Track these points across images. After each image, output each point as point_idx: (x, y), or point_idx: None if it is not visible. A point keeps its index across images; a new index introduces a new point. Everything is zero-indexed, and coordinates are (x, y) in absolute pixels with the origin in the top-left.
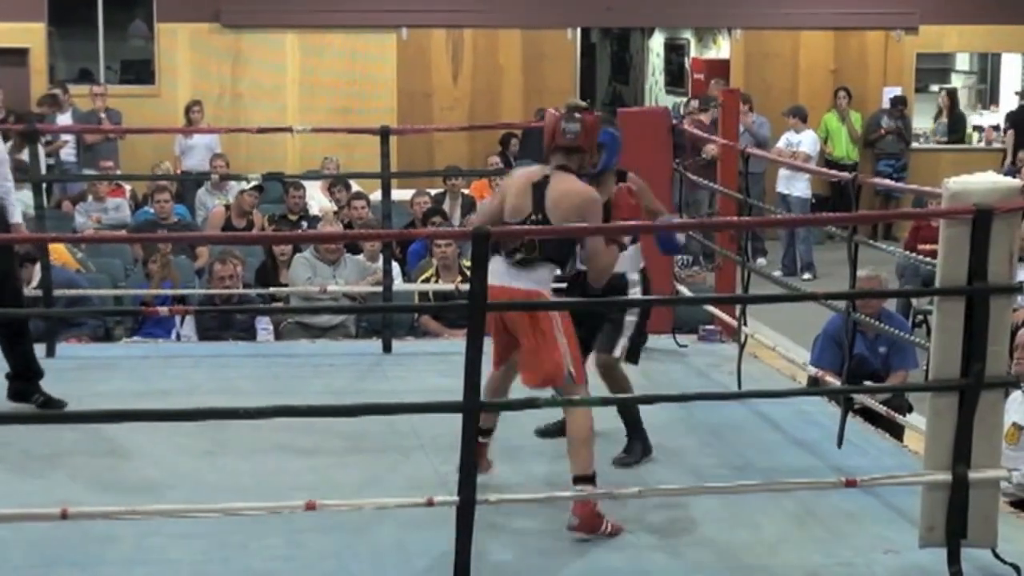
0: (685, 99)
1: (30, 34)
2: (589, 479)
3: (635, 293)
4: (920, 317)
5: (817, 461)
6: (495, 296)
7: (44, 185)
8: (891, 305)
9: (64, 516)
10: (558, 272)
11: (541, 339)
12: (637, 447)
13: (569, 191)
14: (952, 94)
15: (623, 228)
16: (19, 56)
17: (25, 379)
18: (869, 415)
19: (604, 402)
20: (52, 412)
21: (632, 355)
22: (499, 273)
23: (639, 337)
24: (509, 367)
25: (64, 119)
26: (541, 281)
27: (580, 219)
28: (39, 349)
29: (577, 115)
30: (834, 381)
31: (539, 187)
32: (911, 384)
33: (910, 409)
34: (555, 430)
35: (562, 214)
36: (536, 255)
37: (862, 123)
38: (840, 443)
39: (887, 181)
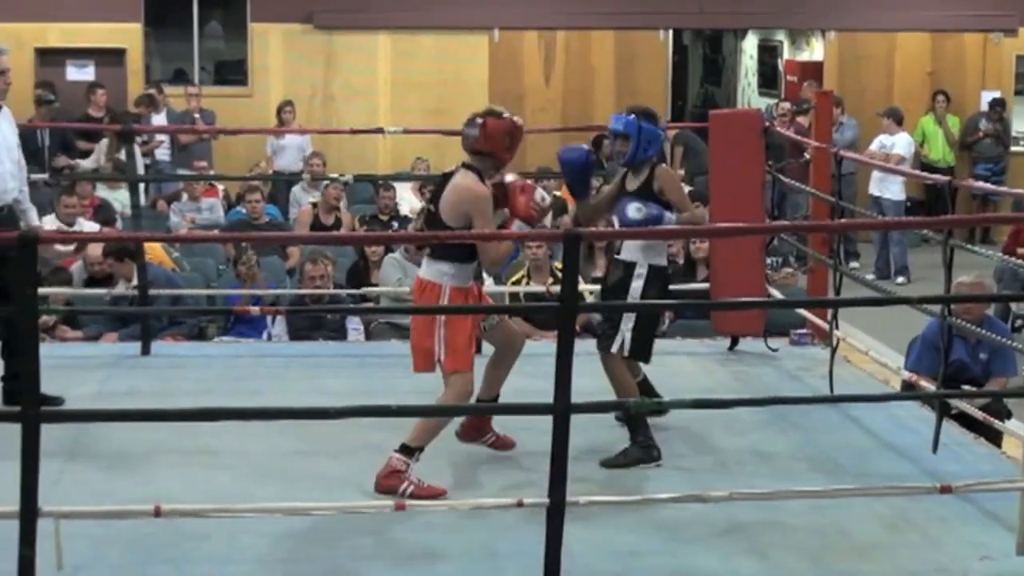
0: (775, 101)
1: (127, 35)
2: (411, 452)
3: (637, 287)
4: (1020, 322)
5: (911, 466)
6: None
7: (140, 185)
8: (990, 310)
9: (157, 514)
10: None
11: (423, 327)
12: (632, 452)
13: (455, 187)
14: None
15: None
16: (117, 56)
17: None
18: (966, 421)
19: (695, 404)
20: (146, 410)
21: (640, 352)
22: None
23: (645, 332)
24: (498, 357)
25: (159, 119)
26: (438, 274)
27: (461, 214)
28: (135, 347)
29: (479, 120)
30: (930, 386)
31: (441, 183)
32: (1009, 390)
33: (1009, 415)
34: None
35: (448, 208)
36: (432, 250)
37: (959, 127)
38: (935, 448)
39: (984, 184)
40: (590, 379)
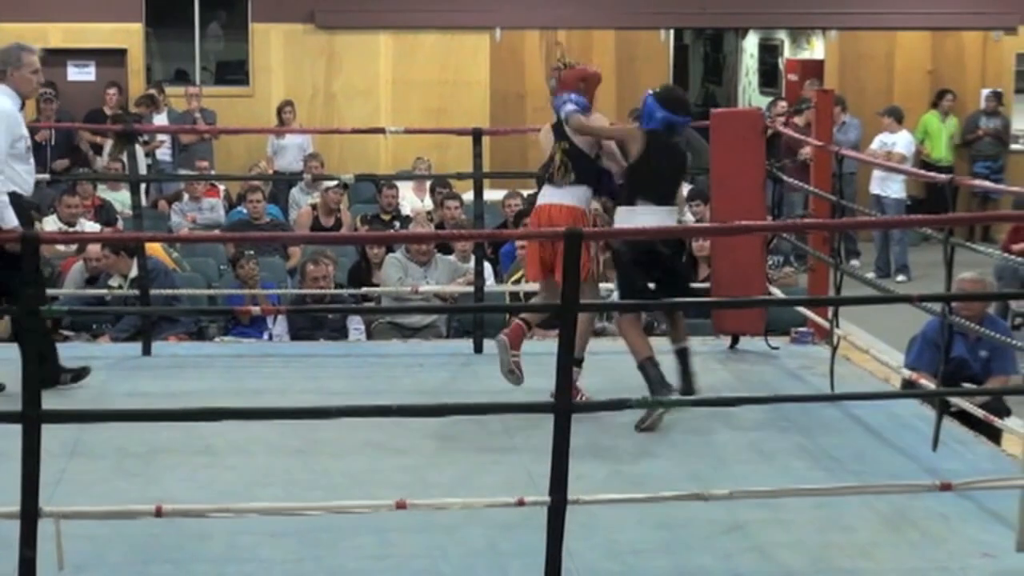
0: (772, 99)
1: (128, 35)
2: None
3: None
4: (1020, 320)
5: (912, 464)
6: (543, 213)
7: (142, 185)
8: (990, 308)
9: (159, 514)
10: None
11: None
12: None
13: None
14: None
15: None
16: (118, 56)
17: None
18: (966, 419)
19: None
20: (147, 410)
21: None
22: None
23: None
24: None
25: (160, 119)
26: (584, 199)
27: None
28: (136, 348)
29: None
30: (930, 384)
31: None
32: (1009, 387)
33: (1008, 413)
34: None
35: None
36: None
37: (958, 125)
38: (935, 446)
39: (985, 183)
40: (591, 378)
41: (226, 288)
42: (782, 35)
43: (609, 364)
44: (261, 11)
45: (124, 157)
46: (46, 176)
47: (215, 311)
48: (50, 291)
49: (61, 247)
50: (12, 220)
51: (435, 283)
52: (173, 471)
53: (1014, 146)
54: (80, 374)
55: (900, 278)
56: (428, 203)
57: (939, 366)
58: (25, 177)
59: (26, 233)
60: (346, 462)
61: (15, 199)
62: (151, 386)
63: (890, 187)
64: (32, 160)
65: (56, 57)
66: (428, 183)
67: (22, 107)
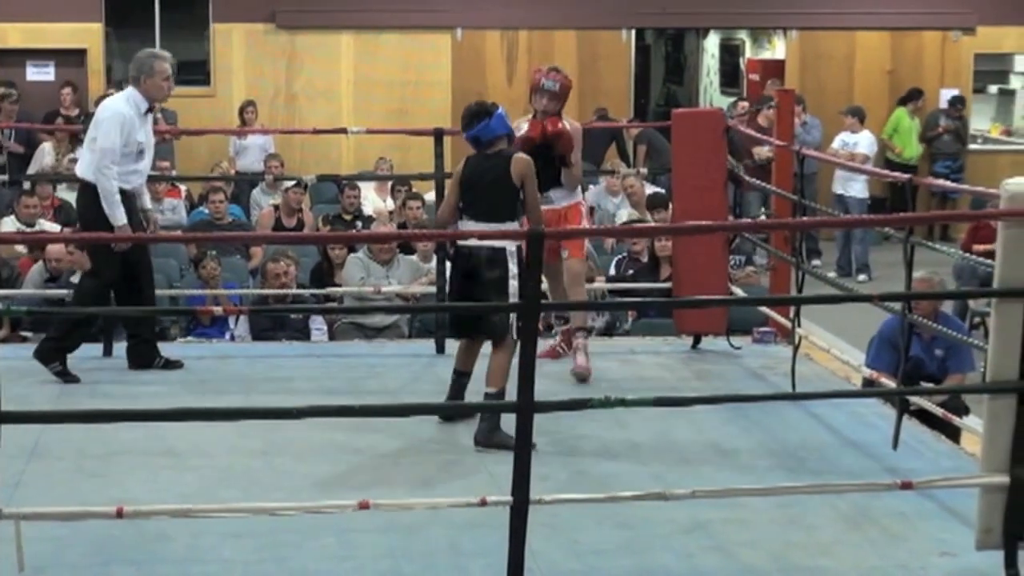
0: (734, 100)
1: (88, 34)
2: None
3: (514, 272)
4: (977, 319)
5: (872, 463)
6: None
7: None
8: (948, 307)
9: (120, 515)
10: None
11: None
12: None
13: None
14: None
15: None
16: (77, 56)
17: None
18: (925, 417)
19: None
20: (108, 410)
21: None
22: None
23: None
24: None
25: None
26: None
27: None
28: (97, 348)
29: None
30: (889, 383)
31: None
32: (968, 386)
33: (967, 411)
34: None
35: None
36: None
37: (920, 124)
38: (896, 445)
39: (945, 182)
40: (553, 378)
41: (188, 288)
42: (743, 35)
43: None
44: (222, 11)
45: (76, 155)
46: (4, 177)
47: (177, 311)
48: (9, 292)
49: (19, 247)
50: (122, 218)
51: (397, 283)
52: (134, 472)
53: (973, 146)
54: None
55: (861, 277)
56: (390, 203)
57: (899, 365)
58: (130, 178)
59: None
60: (308, 463)
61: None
62: (112, 387)
63: (853, 187)
64: (141, 162)
65: (15, 57)
66: (390, 183)
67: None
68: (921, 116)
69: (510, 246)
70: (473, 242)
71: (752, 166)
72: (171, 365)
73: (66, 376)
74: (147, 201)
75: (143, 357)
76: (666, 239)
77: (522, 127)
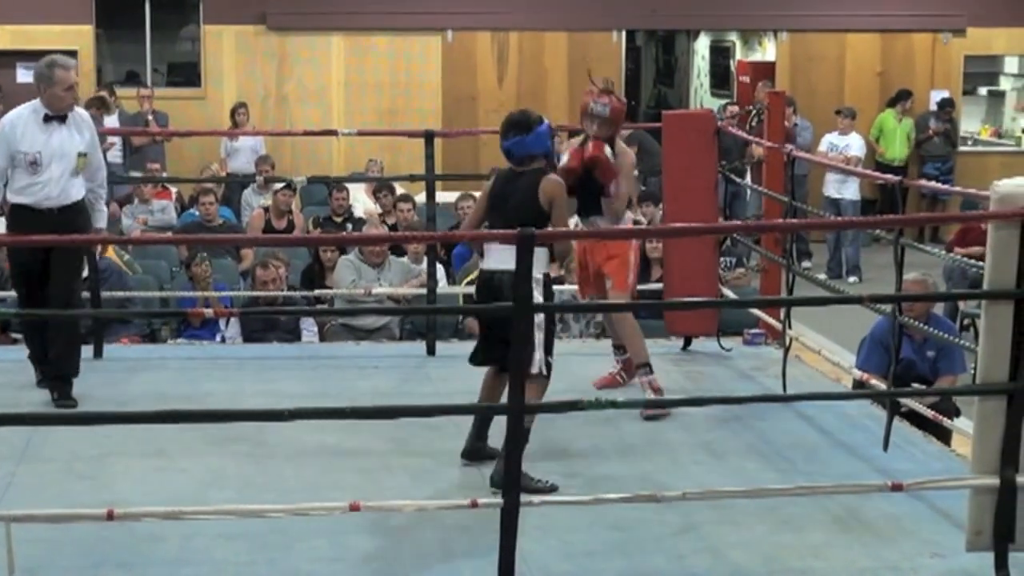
0: (724, 103)
1: (78, 36)
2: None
3: (537, 296)
4: (968, 321)
5: (863, 464)
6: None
7: None
8: (937, 309)
9: (111, 517)
10: None
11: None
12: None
13: None
14: None
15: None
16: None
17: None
18: (916, 419)
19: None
20: (99, 413)
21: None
22: None
23: (550, 346)
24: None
25: (111, 121)
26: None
27: None
28: (87, 350)
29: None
30: (880, 385)
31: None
32: (959, 388)
33: (957, 413)
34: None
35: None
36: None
37: (912, 126)
38: (886, 447)
39: (935, 184)
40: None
41: (178, 290)
42: (733, 37)
43: (565, 365)
44: (212, 13)
45: None
46: None
47: (167, 313)
48: None
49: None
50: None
51: (388, 285)
52: (125, 474)
53: (963, 147)
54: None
55: (852, 279)
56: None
57: (890, 367)
58: (32, 191)
59: None
60: (299, 464)
61: (22, 208)
62: (102, 389)
63: (847, 189)
64: (40, 174)
65: (4, 59)
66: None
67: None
68: (912, 117)
69: (536, 273)
70: (493, 265)
71: (743, 168)
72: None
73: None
74: (99, 219)
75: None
76: (657, 241)
77: (563, 158)
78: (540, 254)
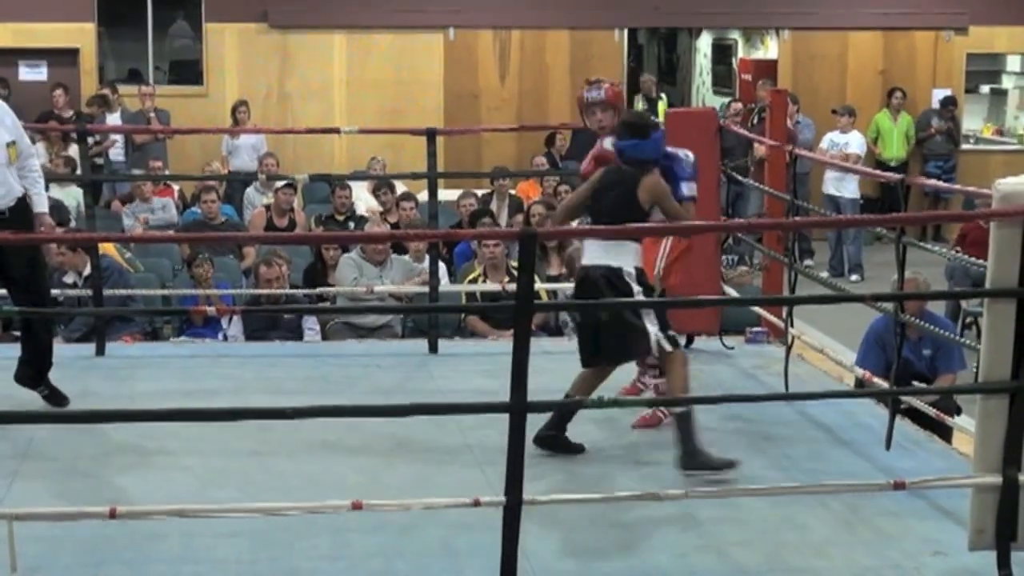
0: (727, 101)
1: (80, 34)
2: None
3: (636, 288)
4: (970, 319)
5: (865, 463)
6: None
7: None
8: (939, 307)
9: (113, 515)
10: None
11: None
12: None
13: None
14: None
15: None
16: (69, 56)
17: (36, 368)
18: (917, 417)
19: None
20: (99, 411)
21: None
22: None
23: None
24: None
25: (113, 119)
26: None
27: None
28: (89, 348)
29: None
30: (879, 383)
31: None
32: (961, 386)
33: (958, 411)
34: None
35: None
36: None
37: (910, 124)
38: (888, 445)
39: (937, 182)
40: (547, 377)
41: (180, 288)
42: (735, 35)
43: (568, 364)
44: (214, 10)
45: (71, 154)
46: None
47: (169, 312)
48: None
49: None
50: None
51: (390, 283)
52: (127, 472)
53: (965, 146)
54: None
55: (854, 277)
56: None
57: (892, 365)
58: None
59: None
60: (301, 462)
61: None
62: (105, 387)
63: (846, 187)
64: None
65: (7, 57)
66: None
67: None
68: (911, 114)
69: (627, 267)
70: (588, 261)
71: (746, 166)
72: (57, 399)
73: (56, 398)
74: (40, 203)
75: (30, 380)
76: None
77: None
78: (632, 248)
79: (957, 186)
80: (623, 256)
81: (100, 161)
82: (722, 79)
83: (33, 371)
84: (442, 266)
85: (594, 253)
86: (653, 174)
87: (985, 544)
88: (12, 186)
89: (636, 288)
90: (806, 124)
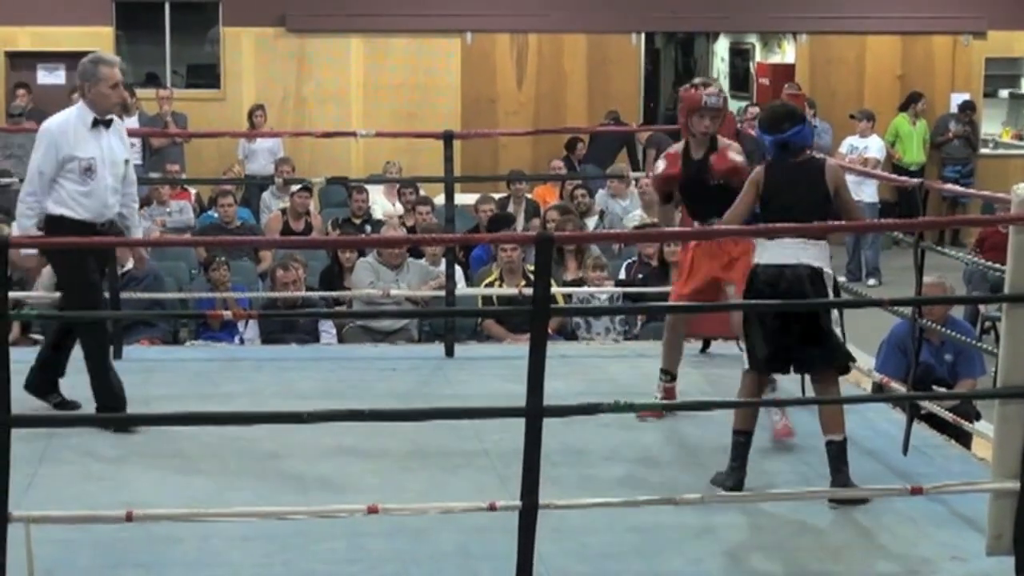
0: (744, 105)
1: (98, 38)
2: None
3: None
4: (988, 324)
5: (883, 468)
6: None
7: None
8: (958, 312)
9: (129, 518)
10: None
11: None
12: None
13: None
14: None
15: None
16: None
17: (50, 375)
18: (935, 422)
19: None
20: (117, 416)
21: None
22: None
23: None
24: None
25: (131, 123)
26: None
27: None
28: None
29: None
30: (898, 388)
31: None
32: (979, 391)
33: (978, 416)
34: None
35: None
36: None
37: (927, 129)
38: (906, 450)
39: (955, 187)
40: (563, 382)
41: (197, 292)
42: (753, 39)
43: (585, 367)
44: (232, 14)
45: None
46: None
47: (187, 315)
48: (20, 294)
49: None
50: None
51: (407, 287)
52: (143, 475)
53: (983, 150)
54: (68, 405)
55: (871, 282)
56: (399, 207)
57: (911, 370)
58: (79, 199)
59: None
60: (318, 466)
61: (70, 223)
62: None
63: (864, 191)
64: (92, 182)
65: (26, 60)
66: (397, 187)
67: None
68: (928, 119)
69: (827, 268)
70: (782, 260)
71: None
72: (66, 405)
73: (67, 407)
74: (136, 231)
75: (43, 387)
76: (675, 244)
77: (659, 166)
78: (826, 248)
79: (975, 191)
80: (821, 257)
81: None
82: (740, 83)
83: (49, 378)
84: (458, 270)
85: (786, 252)
86: (833, 161)
87: (1003, 549)
88: (115, 205)
89: (831, 290)
90: (824, 128)
